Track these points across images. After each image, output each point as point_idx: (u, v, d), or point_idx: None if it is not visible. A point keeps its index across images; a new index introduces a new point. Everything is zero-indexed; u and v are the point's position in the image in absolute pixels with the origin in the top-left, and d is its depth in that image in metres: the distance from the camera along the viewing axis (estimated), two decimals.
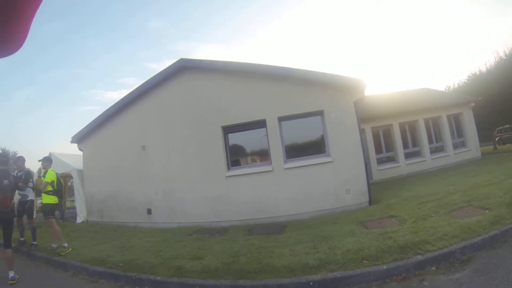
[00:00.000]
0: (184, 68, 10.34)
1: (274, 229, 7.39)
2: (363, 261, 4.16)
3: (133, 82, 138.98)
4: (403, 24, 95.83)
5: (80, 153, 12.67)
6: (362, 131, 8.67)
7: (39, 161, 8.26)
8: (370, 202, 8.48)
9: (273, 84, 9.25)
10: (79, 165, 12.54)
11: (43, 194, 7.56)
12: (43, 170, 7.68)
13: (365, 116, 13.03)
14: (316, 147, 9.21)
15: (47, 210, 7.44)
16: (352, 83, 8.79)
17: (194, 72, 10.29)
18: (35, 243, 7.69)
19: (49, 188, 7.40)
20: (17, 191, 6.92)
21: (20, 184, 7.16)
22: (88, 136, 12.10)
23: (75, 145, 12.46)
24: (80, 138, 12.22)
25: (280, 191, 8.74)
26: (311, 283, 3.93)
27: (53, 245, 7.30)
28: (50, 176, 7.42)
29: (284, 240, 6.03)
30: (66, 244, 7.10)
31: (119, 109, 11.38)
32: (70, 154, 14.61)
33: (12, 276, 5.57)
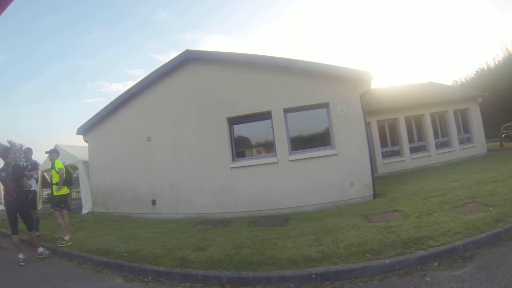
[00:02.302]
0: (189, 60, 10.32)
1: (278, 221, 7.42)
2: (366, 254, 4.18)
3: (139, 74, 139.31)
4: (412, 17, 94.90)
5: (86, 144, 12.74)
6: (367, 124, 8.63)
7: (46, 153, 8.34)
8: (374, 195, 8.47)
9: (279, 76, 9.23)
10: (85, 156, 12.64)
11: (53, 186, 7.57)
12: (50, 162, 7.76)
13: (370, 109, 12.99)
14: (321, 140, 9.19)
15: (55, 201, 7.46)
16: (358, 76, 8.73)
17: (200, 63, 10.27)
18: (37, 233, 7.81)
19: (58, 178, 7.43)
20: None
21: (26, 173, 7.29)
22: (94, 127, 12.15)
23: (81, 136, 12.53)
24: (86, 130, 12.28)
25: (285, 183, 8.76)
26: (313, 276, 3.95)
27: (65, 237, 7.40)
28: (59, 165, 7.45)
29: (287, 232, 6.06)
30: (67, 238, 7.16)
31: (125, 101, 11.41)
32: (75, 145, 14.72)
33: (41, 251, 6.48)
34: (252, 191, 8.95)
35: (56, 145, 11.78)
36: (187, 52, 10.33)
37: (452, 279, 3.56)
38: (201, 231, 7.28)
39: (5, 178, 6.25)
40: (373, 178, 8.61)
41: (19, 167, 6.75)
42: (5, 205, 6.43)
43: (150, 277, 4.95)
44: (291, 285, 3.99)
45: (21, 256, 6.17)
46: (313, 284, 3.93)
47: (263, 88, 9.33)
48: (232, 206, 9.05)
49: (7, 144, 52.65)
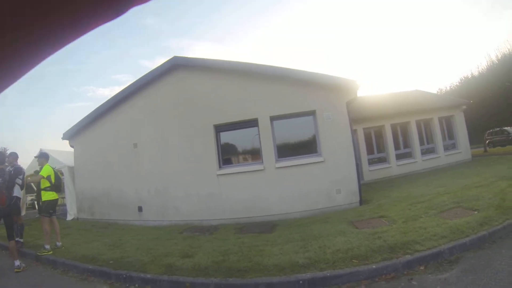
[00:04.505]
0: (177, 66, 10.33)
1: (265, 227, 7.40)
2: (353, 260, 4.17)
3: (126, 79, 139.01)
4: (397, 26, 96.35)
5: (71, 149, 12.61)
6: (354, 132, 8.69)
7: (35, 157, 8.22)
8: (361, 202, 8.49)
9: (266, 84, 9.26)
10: (70, 161, 12.47)
11: (41, 192, 7.38)
12: (39, 167, 7.63)
13: (357, 116, 13.10)
14: (308, 147, 9.23)
15: (43, 207, 7.28)
16: (344, 84, 8.84)
17: (188, 70, 10.28)
18: (21, 240, 7.66)
19: (46, 183, 7.25)
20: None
21: (17, 180, 7.18)
22: (80, 133, 12.04)
23: (66, 141, 12.40)
24: (72, 135, 12.16)
25: (272, 190, 8.74)
26: (300, 282, 3.93)
27: (57, 243, 7.26)
28: (46, 171, 7.28)
29: (274, 239, 6.04)
30: (48, 247, 6.95)
31: (112, 107, 11.35)
32: (61, 150, 14.52)
33: (18, 265, 6.12)
34: (239, 198, 8.90)
35: (40, 149, 11.61)
36: (175, 58, 10.34)
37: (438, 282, 3.59)
38: (188, 238, 7.21)
39: (1, 185, 6.17)
40: (360, 185, 8.64)
41: (10, 175, 6.70)
42: None
43: (136, 285, 4.91)
44: None
45: (17, 262, 6.13)
46: None
47: (250, 96, 9.35)
48: (219, 213, 8.99)
49: None
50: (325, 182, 8.55)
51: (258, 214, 8.56)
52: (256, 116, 9.19)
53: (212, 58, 10.35)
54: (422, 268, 3.98)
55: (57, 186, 7.50)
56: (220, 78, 9.83)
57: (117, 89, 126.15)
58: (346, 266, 4.05)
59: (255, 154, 9.59)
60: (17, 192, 7.40)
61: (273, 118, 9.15)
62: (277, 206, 8.61)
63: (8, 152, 7.36)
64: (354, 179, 8.54)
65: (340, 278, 3.88)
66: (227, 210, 8.92)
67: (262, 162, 9.03)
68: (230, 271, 4.54)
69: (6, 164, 7.05)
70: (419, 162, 14.71)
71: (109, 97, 12.01)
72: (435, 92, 31.42)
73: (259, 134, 9.22)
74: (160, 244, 6.85)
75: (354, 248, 4.58)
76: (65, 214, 12.60)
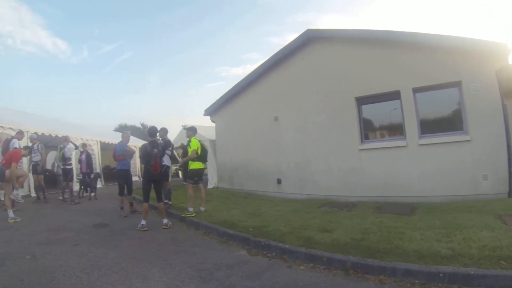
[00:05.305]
0: (311, 39, 10.49)
1: (404, 209, 7.34)
2: (500, 261, 3.84)
3: (257, 57, 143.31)
4: None
5: (211, 124, 13.92)
6: (504, 107, 7.71)
7: (184, 129, 9.38)
8: (510, 193, 7.58)
9: (407, 53, 8.84)
10: (211, 135, 13.79)
11: (189, 161, 8.37)
12: (187, 139, 8.63)
13: (509, 89, 11.57)
14: (452, 123, 8.57)
15: (189, 174, 8.34)
16: (493, 49, 7.73)
17: (322, 42, 10.37)
18: (169, 202, 9.00)
19: (191, 154, 8.21)
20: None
21: (167, 151, 8.36)
22: (220, 108, 13.25)
23: (205, 117, 14.10)
24: (213, 111, 13.49)
25: (413, 169, 8.50)
26: (441, 275, 3.79)
27: (201, 208, 8.32)
28: (194, 144, 8.18)
29: (414, 223, 5.96)
30: (191, 210, 7.97)
31: (249, 83, 12.18)
32: (202, 125, 16.12)
33: (166, 223, 7.34)
34: (378, 175, 8.89)
35: (183, 125, 13.04)
36: (309, 31, 10.48)
37: None
38: (327, 213, 7.54)
39: (156, 155, 7.23)
40: (511, 172, 7.64)
41: (163, 146, 7.79)
42: (147, 177, 7.37)
43: (273, 253, 5.21)
44: (416, 281, 3.87)
45: (165, 221, 7.30)
46: (439, 284, 3.74)
47: (390, 66, 9.06)
48: (358, 189, 9.14)
49: (140, 126, 59.57)
50: (470, 166, 7.91)
51: (396, 194, 8.46)
52: (398, 87, 8.89)
53: (347, 28, 10.08)
54: None
55: (203, 156, 8.48)
56: (358, 48, 9.69)
57: (249, 67, 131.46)
58: (492, 267, 3.74)
59: (396, 129, 9.34)
60: (167, 161, 8.52)
61: (415, 90, 8.74)
62: (416, 187, 8.37)
63: (161, 127, 8.52)
64: (504, 165, 7.61)
65: (484, 279, 3.60)
66: (366, 187, 9.00)
67: (405, 138, 8.79)
68: (368, 251, 4.59)
69: (158, 137, 8.23)
70: None
71: (242, 75, 12.90)
72: None
73: (401, 107, 8.91)
74: (299, 216, 7.22)
75: (503, 247, 4.19)
76: (206, 182, 14.02)
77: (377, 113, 9.83)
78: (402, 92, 8.88)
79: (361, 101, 9.71)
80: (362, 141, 9.61)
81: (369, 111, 9.84)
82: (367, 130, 9.88)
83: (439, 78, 8.36)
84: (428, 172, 8.39)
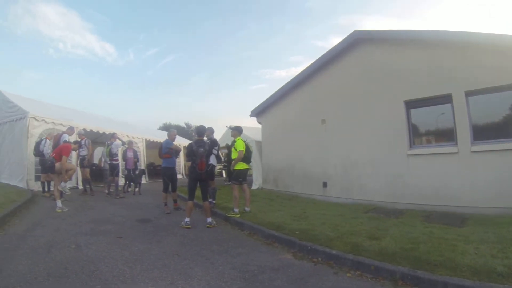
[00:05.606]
0: (358, 41, 10.35)
1: (454, 220, 7.06)
2: None
3: (301, 60, 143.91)
4: None
5: (257, 125, 14.02)
6: None
7: (230, 128, 9.51)
8: None
9: (458, 54, 8.48)
10: (257, 136, 13.92)
11: (233, 161, 8.46)
12: (232, 138, 8.72)
13: None
14: (508, 129, 8.02)
15: (234, 175, 8.42)
16: None
17: (370, 44, 10.19)
18: (213, 201, 9.12)
19: (236, 155, 8.29)
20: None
21: (213, 150, 8.47)
22: (266, 110, 13.35)
23: (252, 118, 14.29)
24: (259, 112, 13.61)
25: (463, 177, 8.11)
26: None
27: (246, 208, 8.41)
28: (240, 145, 8.26)
29: (466, 235, 5.70)
30: (236, 210, 8.03)
31: (296, 85, 12.24)
32: (248, 126, 16.32)
33: (210, 221, 7.46)
34: (427, 182, 8.57)
35: (228, 126, 13.28)
36: (356, 33, 10.36)
37: None
38: (373, 219, 7.42)
39: (202, 154, 7.34)
40: None
41: (209, 145, 7.89)
42: (192, 175, 7.51)
43: (319, 258, 5.14)
44: None
45: (209, 219, 7.44)
46: None
47: (440, 68, 8.71)
48: (405, 196, 8.88)
49: (185, 126, 61.22)
50: None
51: (444, 203, 8.15)
52: (449, 91, 8.50)
53: (396, 29, 9.76)
54: None
55: (247, 157, 8.48)
56: (406, 49, 9.44)
57: (293, 70, 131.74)
58: None
59: (443, 135, 9.00)
60: (213, 160, 8.68)
61: (468, 94, 8.31)
62: (467, 196, 7.97)
63: (207, 127, 8.68)
64: None
65: None
66: (413, 194, 8.72)
67: (456, 144, 8.39)
68: (418, 262, 4.43)
69: (205, 137, 8.37)
70: None
71: (286, 77, 12.95)
72: None
73: (453, 112, 8.51)
74: (345, 221, 7.13)
75: None
76: (250, 183, 14.14)
77: (425, 117, 9.47)
78: (454, 95, 8.50)
79: (410, 104, 9.41)
80: (410, 146, 9.31)
81: (417, 115, 9.50)
82: (417, 134, 9.54)
83: (494, 81, 7.87)
84: (480, 181, 7.91)
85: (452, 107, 8.60)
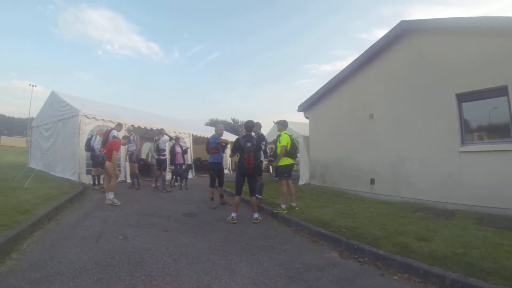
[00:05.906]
0: (406, 31, 9.93)
1: (510, 224, 6.62)
2: None
3: (345, 54, 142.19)
4: None
5: (304, 121, 13.94)
6: None
7: (275, 123, 9.50)
8: None
9: None
10: (305, 131, 13.84)
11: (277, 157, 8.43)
12: (278, 133, 8.68)
13: None
14: None
15: (278, 171, 8.40)
16: None
17: (418, 34, 9.74)
18: (260, 197, 9.14)
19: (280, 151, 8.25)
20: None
21: (261, 145, 8.51)
22: (313, 105, 13.21)
23: (300, 114, 14.08)
24: (306, 107, 13.48)
25: None
26: None
27: (292, 203, 8.42)
28: (284, 140, 8.20)
29: None
30: (284, 206, 8.04)
31: (342, 79, 12.02)
32: (296, 122, 16.25)
33: (256, 217, 7.50)
34: (480, 182, 8.07)
35: (275, 122, 13.27)
36: (403, 23, 9.91)
37: None
38: (423, 219, 7.16)
39: (250, 148, 7.38)
40: None
41: (257, 140, 7.88)
42: (240, 170, 7.59)
43: (366, 258, 5.05)
44: None
45: (255, 215, 7.46)
46: None
47: (494, 59, 8.10)
48: (456, 196, 8.46)
49: (231, 121, 61.90)
50: None
51: (499, 205, 7.62)
52: (505, 83, 7.88)
53: (446, 17, 9.18)
54: None
55: (292, 152, 8.42)
56: (457, 39, 8.94)
57: (338, 64, 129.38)
58: None
59: (496, 130, 8.41)
60: (261, 156, 8.66)
61: None
62: None
63: (239, 123, 8.72)
64: None
65: None
66: (465, 194, 8.28)
67: None
68: (470, 268, 4.21)
69: (253, 132, 8.37)
70: None
71: (331, 71, 12.73)
72: None
73: (509, 105, 7.90)
74: (393, 220, 6.96)
75: None
76: (297, 179, 14.21)
77: (476, 112, 8.89)
78: (510, 87, 7.89)
79: (462, 98, 8.86)
80: (462, 143, 8.80)
81: (468, 109, 8.95)
82: (466, 131, 9.00)
83: None
84: None
85: (508, 100, 7.95)
